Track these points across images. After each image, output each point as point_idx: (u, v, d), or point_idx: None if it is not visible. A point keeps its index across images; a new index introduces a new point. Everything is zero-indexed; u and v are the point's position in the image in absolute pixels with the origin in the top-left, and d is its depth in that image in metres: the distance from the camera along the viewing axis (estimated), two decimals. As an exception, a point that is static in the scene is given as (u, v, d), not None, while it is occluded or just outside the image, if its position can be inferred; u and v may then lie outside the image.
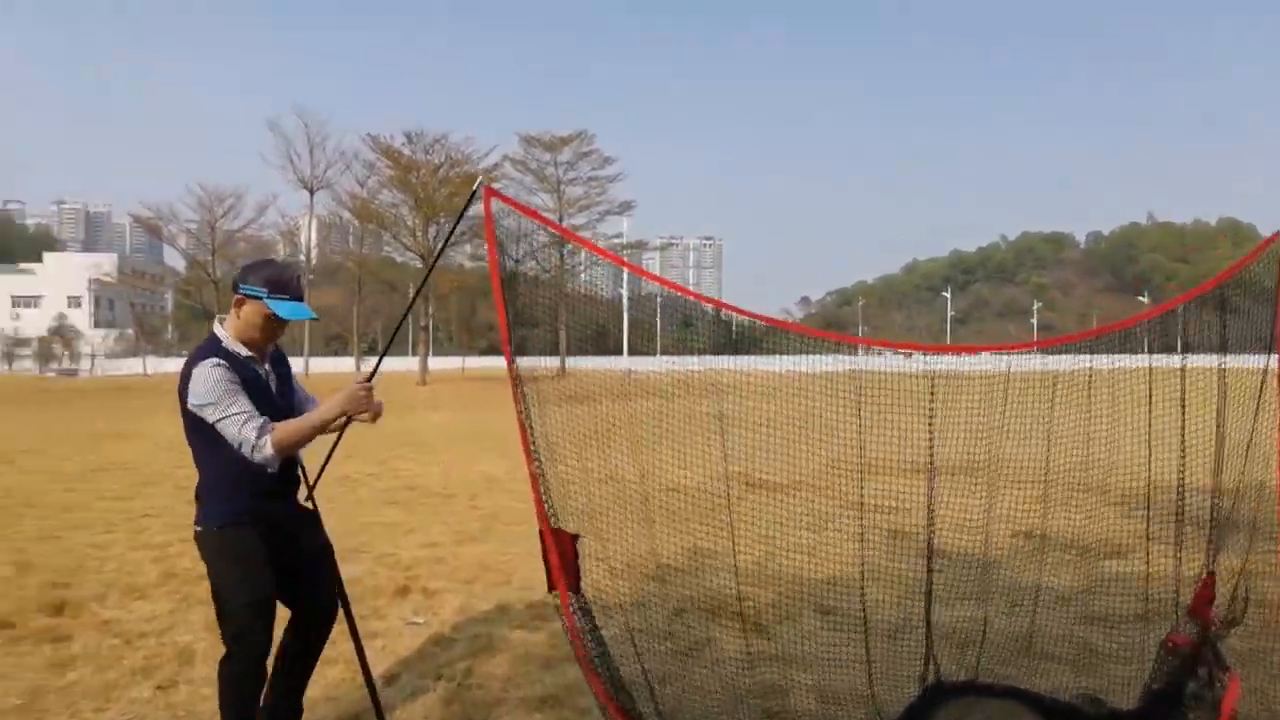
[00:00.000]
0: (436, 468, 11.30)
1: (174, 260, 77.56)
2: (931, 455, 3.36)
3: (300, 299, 2.88)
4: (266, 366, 2.92)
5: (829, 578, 4.84)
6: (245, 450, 2.67)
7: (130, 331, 73.07)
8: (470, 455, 12.64)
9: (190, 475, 2.96)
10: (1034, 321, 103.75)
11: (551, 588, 3.23)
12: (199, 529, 2.84)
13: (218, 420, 2.68)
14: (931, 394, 3.27)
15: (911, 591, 4.58)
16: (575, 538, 3.15)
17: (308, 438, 2.80)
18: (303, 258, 53.24)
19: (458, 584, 5.41)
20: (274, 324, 2.85)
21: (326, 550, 3.09)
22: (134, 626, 4.50)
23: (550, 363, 3.61)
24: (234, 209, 52.33)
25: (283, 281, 2.85)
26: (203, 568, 2.86)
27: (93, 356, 70.21)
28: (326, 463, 3.10)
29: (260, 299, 2.79)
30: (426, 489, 9.46)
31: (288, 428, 2.74)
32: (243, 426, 2.67)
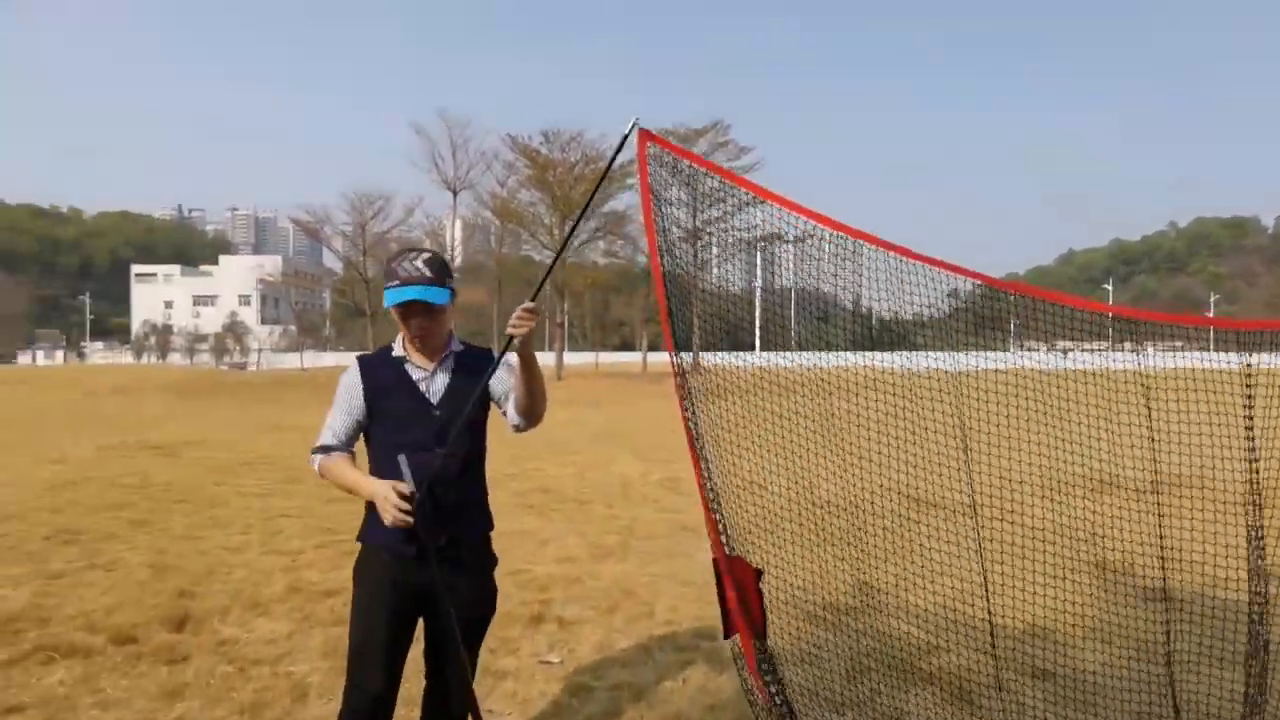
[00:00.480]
0: (571, 469, 10.87)
1: (331, 262, 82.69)
2: (1254, 475, 2.38)
3: (412, 281, 2.39)
4: (436, 368, 2.51)
5: (1037, 628, 3.91)
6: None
7: (292, 328, 78.23)
8: (606, 455, 12.18)
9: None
10: (1210, 315, 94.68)
11: (728, 633, 2.56)
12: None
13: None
14: (1248, 386, 2.30)
15: (1145, 649, 3.61)
16: (759, 573, 2.45)
17: (336, 487, 2.51)
18: (448, 257, 55.23)
19: (596, 613, 4.80)
20: (406, 317, 2.43)
21: (474, 628, 2.58)
22: (251, 650, 4.14)
23: (717, 358, 2.89)
24: (383, 211, 54.70)
25: (390, 269, 2.44)
26: (327, 583, 2.51)
27: (259, 351, 75.70)
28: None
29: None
30: (562, 493, 9.00)
31: (334, 467, 2.45)
32: (318, 438, 2.48)
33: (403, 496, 2.23)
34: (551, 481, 9.76)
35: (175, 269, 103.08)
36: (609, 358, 64.31)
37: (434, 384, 2.47)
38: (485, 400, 2.55)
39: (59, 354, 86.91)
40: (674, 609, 4.85)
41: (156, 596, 4.95)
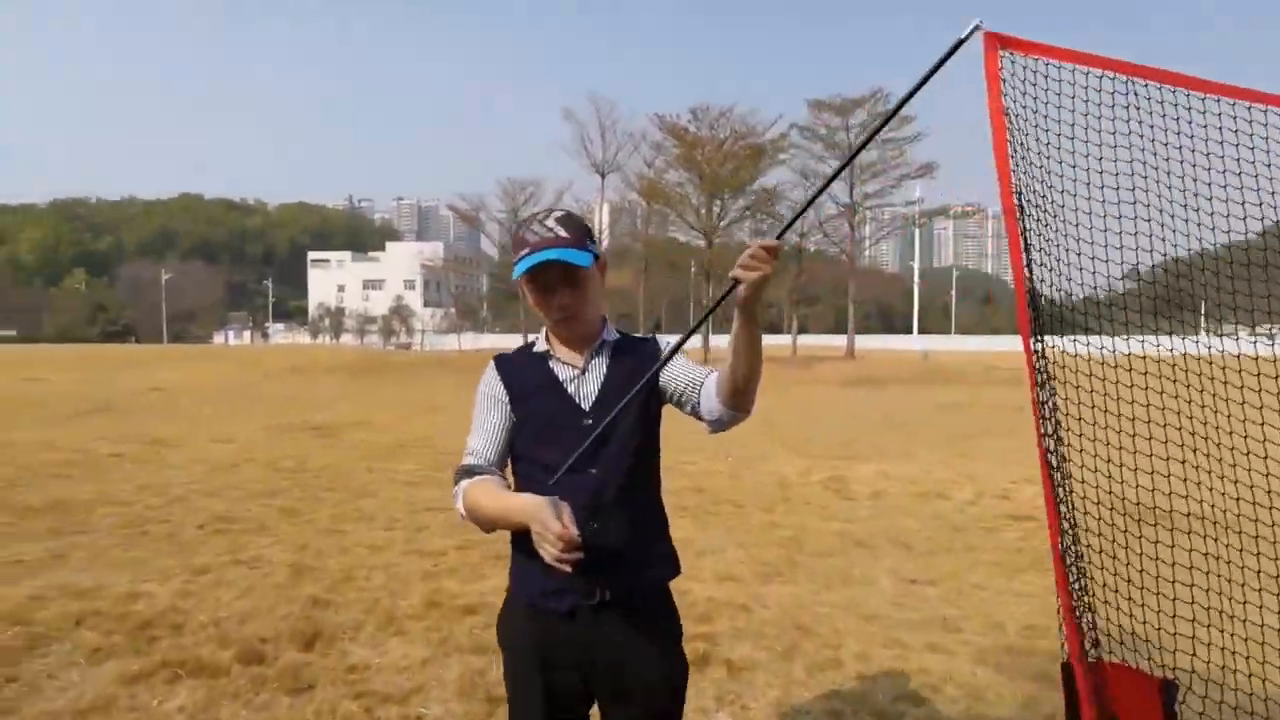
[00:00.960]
0: (724, 464, 10.13)
1: (488, 247, 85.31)
2: None
3: (545, 245, 1.80)
4: (588, 363, 1.91)
5: None
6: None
7: (452, 311, 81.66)
8: (759, 449, 11.33)
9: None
10: None
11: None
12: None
13: None
14: None
15: None
16: (1167, 685, 1.58)
17: (486, 521, 1.78)
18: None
19: (770, 656, 4.03)
20: (544, 292, 1.85)
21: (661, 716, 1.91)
22: (379, 682, 3.66)
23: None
24: (534, 196, 55.75)
25: (519, 238, 1.86)
26: (466, 596, 2.01)
27: (423, 332, 79.57)
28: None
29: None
30: (716, 493, 8.28)
31: (481, 492, 1.78)
32: (461, 464, 1.89)
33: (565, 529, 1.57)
34: (705, 480, 9.05)
35: (346, 255, 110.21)
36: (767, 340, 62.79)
37: (585, 383, 1.88)
38: (656, 399, 1.91)
39: (246, 335, 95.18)
40: (864, 657, 4.00)
41: (290, 604, 4.62)
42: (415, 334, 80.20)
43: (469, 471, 1.83)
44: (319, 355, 40.05)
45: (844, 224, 46.80)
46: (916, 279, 68.00)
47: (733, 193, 44.56)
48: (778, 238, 1.61)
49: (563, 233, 1.80)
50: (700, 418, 1.88)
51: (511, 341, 40.99)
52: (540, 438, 1.85)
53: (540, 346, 1.93)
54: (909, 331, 67.01)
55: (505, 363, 1.96)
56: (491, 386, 1.91)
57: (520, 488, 1.84)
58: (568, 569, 1.53)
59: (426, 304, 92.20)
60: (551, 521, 1.54)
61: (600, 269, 1.89)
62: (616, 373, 1.87)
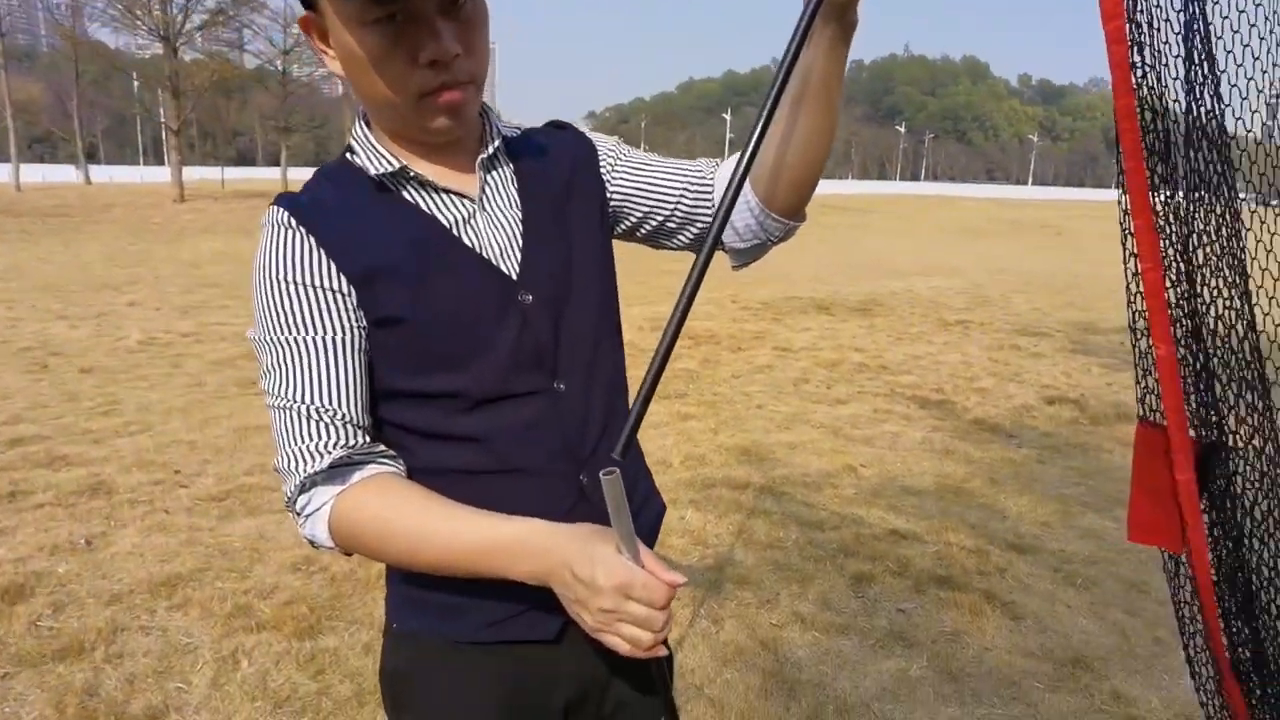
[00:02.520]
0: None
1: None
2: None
3: None
4: (484, 184, 1.00)
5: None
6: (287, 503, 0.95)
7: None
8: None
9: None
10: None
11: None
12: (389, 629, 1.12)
13: (268, 404, 0.96)
14: None
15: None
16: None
17: (405, 563, 0.94)
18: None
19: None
20: (393, 45, 0.86)
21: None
22: None
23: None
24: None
25: None
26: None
27: None
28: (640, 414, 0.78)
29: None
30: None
31: (395, 511, 0.91)
32: (291, 443, 0.92)
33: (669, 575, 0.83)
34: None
35: None
36: (235, 174, 52.45)
37: (487, 226, 0.99)
38: (605, 229, 1.11)
39: None
40: None
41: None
42: None
43: (336, 473, 0.92)
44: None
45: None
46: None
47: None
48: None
49: None
50: (719, 245, 0.92)
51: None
52: (436, 351, 0.95)
53: (378, 163, 0.95)
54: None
55: (313, 210, 0.94)
56: (302, 265, 0.92)
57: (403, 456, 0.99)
58: (662, 652, 0.85)
59: None
60: (640, 575, 0.81)
61: None
62: (541, 198, 1.03)
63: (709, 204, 1.09)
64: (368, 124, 0.98)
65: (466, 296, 0.96)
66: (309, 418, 0.91)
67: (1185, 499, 1.28)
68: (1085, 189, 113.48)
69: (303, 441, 0.90)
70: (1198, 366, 1.23)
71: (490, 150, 1.00)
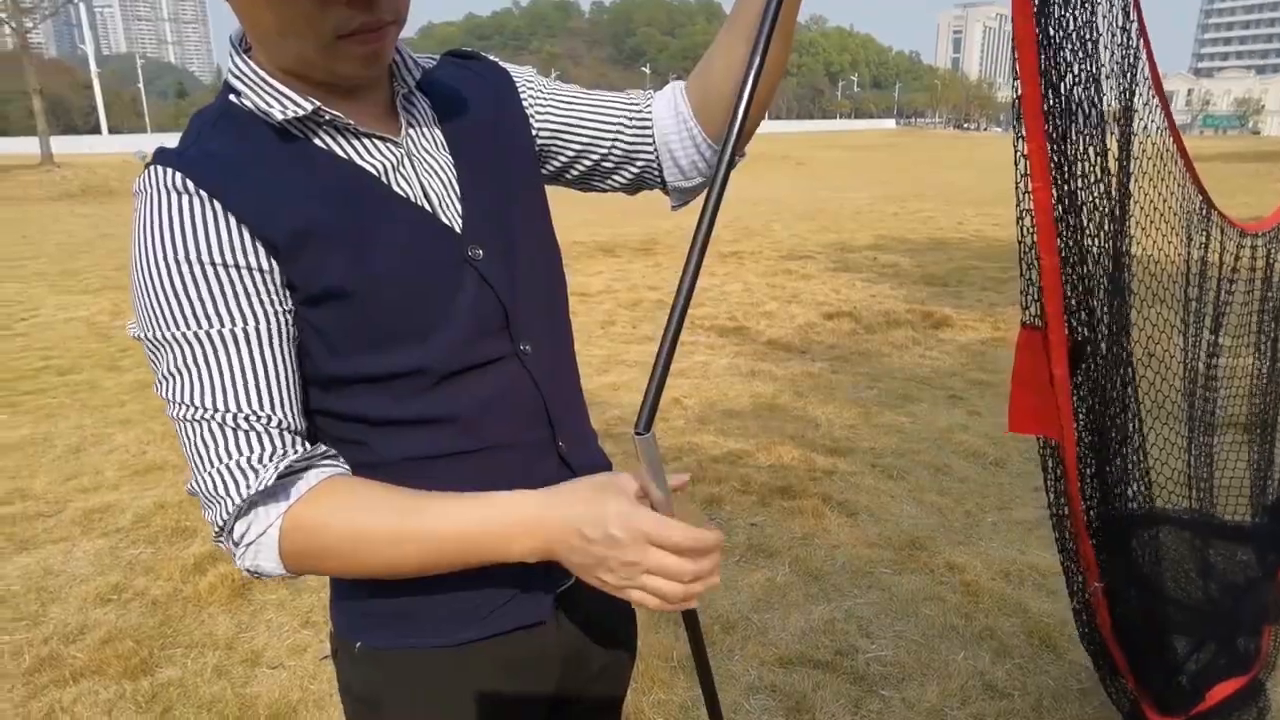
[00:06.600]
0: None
1: None
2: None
3: None
4: (404, 126, 0.87)
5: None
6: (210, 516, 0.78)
7: None
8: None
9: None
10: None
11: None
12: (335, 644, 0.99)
13: (173, 416, 0.79)
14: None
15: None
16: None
17: (377, 569, 0.80)
18: None
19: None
20: None
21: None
22: None
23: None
24: None
25: None
26: None
27: None
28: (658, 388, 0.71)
29: None
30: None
31: (361, 511, 0.78)
32: (215, 462, 0.76)
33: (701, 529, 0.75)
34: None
35: None
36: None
37: (415, 172, 0.87)
38: (534, 171, 1.01)
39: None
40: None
41: None
42: None
43: (285, 483, 0.78)
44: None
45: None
46: (94, 68, 55.47)
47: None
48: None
49: None
50: (660, 183, 1.04)
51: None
52: (386, 325, 0.83)
53: (282, 106, 0.79)
54: (98, 131, 56.71)
55: (210, 166, 0.77)
56: (206, 239, 0.76)
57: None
58: (693, 603, 0.78)
59: None
60: (670, 529, 0.72)
61: None
62: (469, 138, 0.92)
63: (649, 139, 1.01)
64: (249, 56, 0.81)
65: (414, 257, 0.83)
66: (235, 428, 0.76)
67: (1060, 388, 1.48)
68: (815, 120, 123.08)
69: (230, 458, 0.76)
70: (1074, 276, 1.42)
71: (411, 85, 0.88)
